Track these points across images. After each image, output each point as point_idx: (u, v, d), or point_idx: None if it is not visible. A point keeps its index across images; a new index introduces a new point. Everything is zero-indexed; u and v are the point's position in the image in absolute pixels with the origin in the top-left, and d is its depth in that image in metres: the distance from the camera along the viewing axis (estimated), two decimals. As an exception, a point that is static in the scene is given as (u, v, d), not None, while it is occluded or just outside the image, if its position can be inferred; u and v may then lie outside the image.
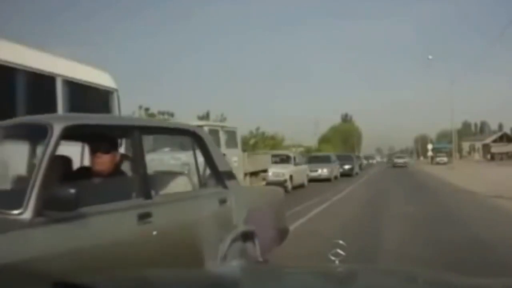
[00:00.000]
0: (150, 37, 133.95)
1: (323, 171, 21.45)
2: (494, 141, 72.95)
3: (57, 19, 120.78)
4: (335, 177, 23.00)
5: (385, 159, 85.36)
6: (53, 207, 2.10)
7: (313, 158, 23.98)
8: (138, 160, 2.75)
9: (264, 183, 13.56)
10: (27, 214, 2.06)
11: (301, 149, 41.57)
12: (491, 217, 8.80)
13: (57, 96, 5.34)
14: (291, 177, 15.86)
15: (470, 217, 8.78)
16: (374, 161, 65.81)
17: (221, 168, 3.40)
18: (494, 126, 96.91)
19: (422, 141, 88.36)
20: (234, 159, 10.53)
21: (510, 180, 17.45)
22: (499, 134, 78.89)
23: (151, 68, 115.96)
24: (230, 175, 3.54)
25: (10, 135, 2.80)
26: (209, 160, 3.37)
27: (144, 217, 2.54)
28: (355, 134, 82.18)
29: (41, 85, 5.14)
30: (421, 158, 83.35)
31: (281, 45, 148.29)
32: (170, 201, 2.88)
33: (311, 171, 20.12)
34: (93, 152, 2.82)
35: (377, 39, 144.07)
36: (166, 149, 8.80)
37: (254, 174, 13.19)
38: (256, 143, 34.14)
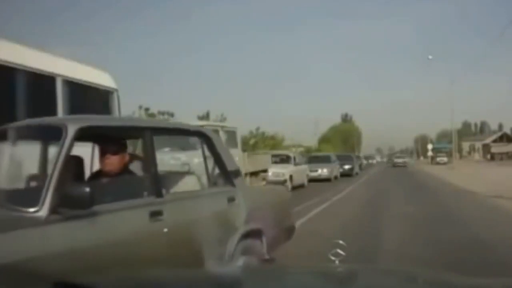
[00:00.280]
0: (150, 37, 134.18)
1: (323, 171, 21.44)
2: (494, 141, 72.94)
3: (57, 19, 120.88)
4: (335, 177, 22.99)
5: (385, 159, 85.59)
6: (68, 205, 2.18)
7: (313, 158, 23.97)
8: (149, 160, 2.83)
9: (264, 183, 13.56)
10: (43, 211, 2.13)
11: (301, 149, 41.59)
12: (491, 217, 8.80)
13: (57, 96, 5.34)
14: (291, 177, 15.86)
15: (470, 217, 8.77)
16: (374, 161, 65.90)
17: (229, 167, 3.48)
18: (494, 126, 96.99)
19: (422, 141, 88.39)
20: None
21: (510, 180, 17.45)
22: (499, 134, 78.88)
23: (151, 68, 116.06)
24: (238, 174, 3.62)
25: (25, 135, 2.88)
26: (218, 160, 3.44)
27: (155, 214, 2.63)
28: (355, 134, 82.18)
29: (41, 85, 5.13)
30: (421, 158, 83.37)
31: (281, 45, 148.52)
32: (180, 199, 2.97)
33: (311, 171, 20.12)
34: (102, 152, 2.92)
35: (377, 39, 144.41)
36: (166, 149, 8.80)
37: (254, 174, 13.20)
38: (256, 143, 34.14)
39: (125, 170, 2.96)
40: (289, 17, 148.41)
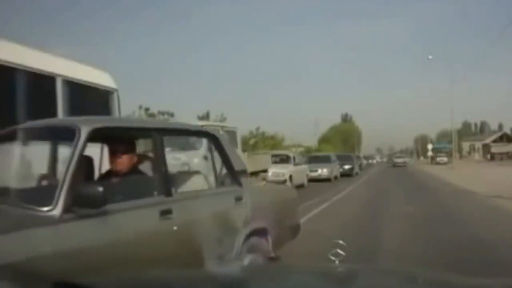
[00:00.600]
0: (150, 37, 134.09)
1: (323, 171, 21.44)
2: (494, 141, 72.93)
3: (57, 19, 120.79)
4: (335, 177, 22.99)
5: (385, 159, 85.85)
6: (82, 204, 2.24)
7: (313, 158, 23.97)
8: (159, 160, 2.91)
9: (264, 183, 13.56)
10: (57, 210, 2.20)
11: (301, 149, 41.60)
12: (491, 217, 8.79)
13: (57, 96, 5.33)
14: (291, 177, 15.86)
15: (470, 217, 8.77)
16: (374, 161, 66.06)
17: (237, 167, 3.55)
18: (494, 126, 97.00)
19: (422, 141, 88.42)
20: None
21: (510, 180, 17.44)
22: (499, 134, 78.87)
23: (151, 68, 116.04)
24: (245, 174, 3.71)
25: (38, 136, 2.99)
26: (225, 160, 3.51)
27: (165, 213, 2.71)
28: (355, 134, 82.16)
29: (41, 85, 5.13)
30: (421, 158, 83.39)
31: (281, 45, 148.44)
32: (189, 198, 3.06)
33: (311, 171, 20.12)
34: (113, 152, 2.98)
35: (377, 39, 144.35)
36: (167, 149, 8.80)
37: (254, 174, 13.19)
38: (256, 143, 34.16)
39: (135, 170, 3.03)
40: (289, 17, 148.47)
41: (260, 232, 3.47)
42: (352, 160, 29.62)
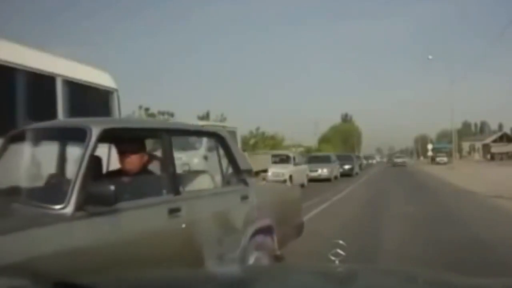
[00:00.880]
0: (150, 37, 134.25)
1: (323, 171, 21.43)
2: (494, 141, 72.94)
3: (57, 19, 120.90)
4: (335, 177, 22.98)
5: (384, 159, 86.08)
6: (94, 202, 2.31)
7: (313, 158, 23.96)
8: (168, 159, 2.97)
9: (264, 183, 13.56)
10: (69, 208, 2.25)
11: (301, 149, 41.61)
12: (491, 217, 8.80)
13: (57, 96, 5.33)
14: (290, 177, 15.86)
15: (470, 217, 8.77)
16: (374, 161, 66.23)
17: (243, 166, 3.62)
18: (494, 126, 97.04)
19: (422, 141, 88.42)
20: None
21: (510, 180, 17.45)
22: (499, 134, 78.88)
23: (151, 68, 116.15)
24: (251, 173, 3.79)
25: (50, 136, 3.09)
26: (232, 159, 3.58)
27: (174, 211, 2.77)
28: (355, 134, 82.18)
29: (41, 85, 5.12)
30: (421, 158, 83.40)
31: (281, 45, 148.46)
32: (197, 197, 3.11)
33: (311, 171, 20.13)
34: (123, 152, 3.03)
35: (377, 39, 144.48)
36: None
37: (254, 174, 13.17)
38: (256, 143, 34.16)
39: (144, 169, 3.09)
40: (289, 17, 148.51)
41: (266, 230, 3.52)
42: (352, 160, 29.61)
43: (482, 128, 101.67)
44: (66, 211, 2.24)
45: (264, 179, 14.02)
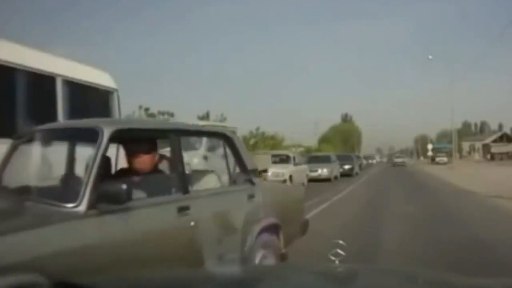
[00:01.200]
0: (150, 37, 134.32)
1: (323, 171, 21.43)
2: (494, 141, 72.94)
3: (57, 19, 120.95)
4: (335, 177, 22.97)
5: (384, 159, 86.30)
6: (106, 201, 2.38)
7: (313, 158, 23.96)
8: (177, 159, 3.05)
9: (265, 183, 13.56)
10: (82, 206, 2.32)
11: (301, 149, 41.62)
12: (491, 217, 8.80)
13: (57, 96, 5.32)
14: (290, 177, 15.85)
15: (470, 217, 8.78)
16: (374, 161, 66.40)
17: (249, 166, 3.69)
18: (494, 126, 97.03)
19: (422, 141, 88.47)
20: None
21: (510, 180, 17.45)
22: (499, 134, 78.89)
23: (151, 68, 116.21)
24: (257, 173, 3.86)
25: (62, 136, 3.19)
26: (239, 159, 3.65)
27: (183, 209, 2.85)
28: (355, 134, 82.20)
29: (41, 85, 5.12)
30: (421, 158, 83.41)
31: (281, 45, 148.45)
32: (205, 196, 3.17)
33: (311, 171, 20.12)
34: (134, 152, 3.09)
35: (377, 39, 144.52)
36: (167, 149, 8.80)
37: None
38: (256, 143, 34.17)
39: (154, 168, 3.16)
40: (289, 17, 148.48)
41: (272, 229, 3.58)
42: (352, 160, 29.60)
43: (482, 128, 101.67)
44: (79, 209, 2.31)
45: (264, 179, 14.02)
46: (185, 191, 2.97)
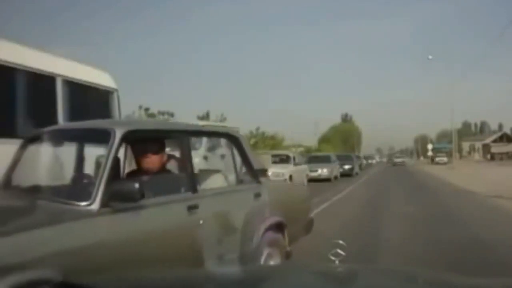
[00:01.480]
0: (150, 37, 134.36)
1: (323, 171, 21.43)
2: (494, 141, 72.98)
3: (57, 19, 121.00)
4: (335, 177, 22.98)
5: (384, 159, 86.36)
6: (120, 199, 2.45)
7: (313, 158, 23.98)
8: (186, 159, 3.14)
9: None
10: (95, 205, 2.38)
11: (301, 149, 41.61)
12: (491, 217, 8.80)
13: (57, 96, 5.32)
14: (290, 177, 15.85)
15: (470, 217, 8.78)
16: (374, 161, 66.39)
17: (255, 166, 3.76)
18: (494, 126, 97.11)
19: (422, 141, 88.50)
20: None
21: (510, 180, 17.45)
22: (499, 134, 78.94)
23: (151, 68, 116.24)
24: (263, 172, 3.96)
25: (74, 137, 3.28)
26: (245, 159, 3.72)
27: (192, 208, 2.91)
28: (355, 134, 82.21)
29: (41, 85, 5.11)
30: (421, 158, 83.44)
31: (281, 45, 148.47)
32: (213, 195, 3.25)
33: (311, 171, 20.13)
34: (144, 152, 3.15)
35: (377, 39, 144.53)
36: (167, 150, 8.82)
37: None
38: (256, 143, 34.12)
39: (163, 168, 3.23)
40: (289, 17, 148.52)
41: (277, 227, 3.64)
42: (352, 160, 29.61)
43: (482, 128, 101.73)
44: (92, 207, 2.36)
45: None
46: (194, 190, 3.04)
